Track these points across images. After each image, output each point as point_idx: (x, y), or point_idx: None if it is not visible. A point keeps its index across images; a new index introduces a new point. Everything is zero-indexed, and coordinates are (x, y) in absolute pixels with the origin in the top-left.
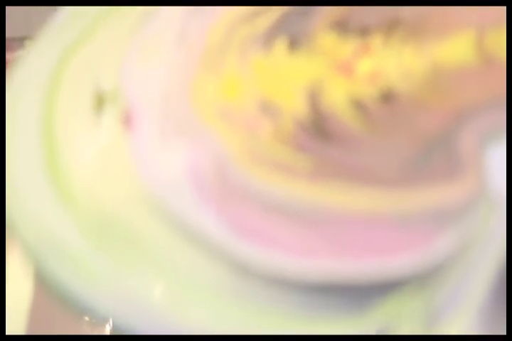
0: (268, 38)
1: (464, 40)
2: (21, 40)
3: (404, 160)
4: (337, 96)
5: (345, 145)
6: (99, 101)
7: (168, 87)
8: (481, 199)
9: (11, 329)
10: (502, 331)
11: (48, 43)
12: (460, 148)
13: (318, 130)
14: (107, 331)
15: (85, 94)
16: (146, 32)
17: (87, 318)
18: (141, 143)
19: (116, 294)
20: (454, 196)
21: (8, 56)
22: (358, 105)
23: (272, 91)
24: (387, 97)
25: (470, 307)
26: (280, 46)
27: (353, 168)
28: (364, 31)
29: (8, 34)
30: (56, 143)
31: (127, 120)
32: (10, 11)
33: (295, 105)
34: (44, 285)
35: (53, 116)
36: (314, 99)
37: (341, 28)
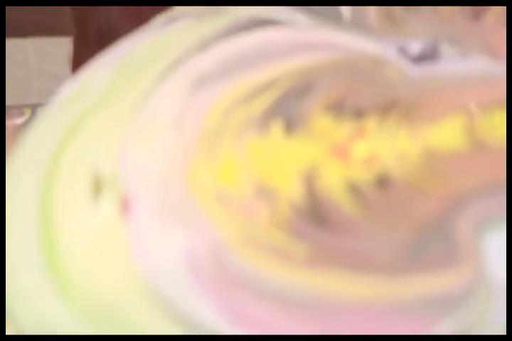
0: (264, 121)
1: (455, 125)
2: (20, 108)
3: (401, 247)
4: (333, 181)
5: (341, 231)
6: (97, 186)
7: (166, 172)
8: (479, 287)
9: None
10: None
11: (49, 122)
12: (457, 234)
13: (314, 215)
14: None
15: (83, 178)
16: (144, 114)
17: None
18: (139, 230)
19: None
20: (452, 284)
21: (7, 123)
22: (354, 190)
23: (268, 175)
24: (383, 182)
25: None
26: (276, 129)
27: (350, 255)
28: (359, 113)
29: (8, 102)
30: (53, 228)
31: (125, 206)
32: (10, 78)
33: (291, 189)
34: None
35: (51, 201)
36: (310, 183)
37: (337, 110)
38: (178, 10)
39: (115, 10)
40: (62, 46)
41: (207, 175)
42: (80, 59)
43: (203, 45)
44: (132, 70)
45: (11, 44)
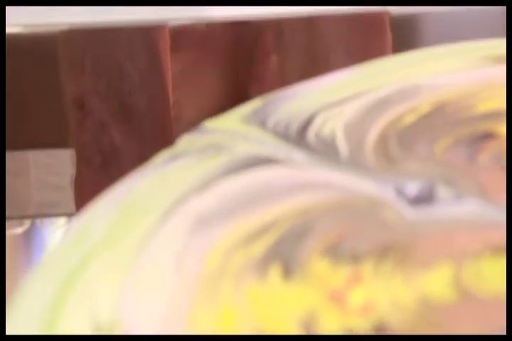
0: (263, 265)
1: (444, 273)
2: (21, 219)
3: None
4: (330, 329)
5: None
6: (97, 331)
7: (166, 316)
8: None
9: None
10: None
11: (50, 267)
12: None
13: None
14: None
15: (83, 325)
16: (145, 257)
17: None
18: None
19: None
20: None
21: (8, 233)
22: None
23: (266, 322)
24: (379, 329)
25: None
26: (274, 274)
27: None
28: (356, 258)
29: (8, 213)
30: None
31: None
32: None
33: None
34: None
35: None
36: (308, 330)
37: (333, 254)
38: (179, 146)
39: (118, 133)
40: (63, 158)
41: (206, 321)
42: (82, 182)
43: (203, 185)
44: (134, 210)
45: (12, 156)
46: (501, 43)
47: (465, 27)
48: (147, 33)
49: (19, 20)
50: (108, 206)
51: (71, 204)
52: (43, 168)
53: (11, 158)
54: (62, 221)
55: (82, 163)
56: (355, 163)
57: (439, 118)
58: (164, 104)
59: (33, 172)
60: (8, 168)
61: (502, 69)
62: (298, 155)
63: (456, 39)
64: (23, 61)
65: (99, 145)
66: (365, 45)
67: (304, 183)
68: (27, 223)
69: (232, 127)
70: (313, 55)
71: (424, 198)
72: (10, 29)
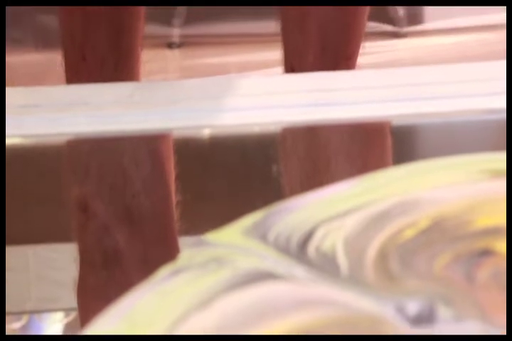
0: None
1: None
2: (20, 314)
3: None
4: None
5: None
6: None
7: None
8: None
9: None
10: None
11: None
12: None
13: None
14: None
15: None
16: None
17: None
18: None
19: None
20: None
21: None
22: None
23: None
24: None
25: None
26: None
27: None
28: None
29: (7, 308)
30: None
31: None
32: (10, 285)
33: None
34: None
35: None
36: None
37: None
38: (181, 261)
39: (122, 235)
40: (63, 253)
41: None
42: (85, 284)
43: (205, 302)
44: (137, 327)
45: (12, 251)
46: (500, 157)
47: (464, 138)
48: (151, 141)
49: (21, 131)
50: (112, 321)
51: (70, 299)
52: (43, 263)
53: (12, 252)
54: (60, 315)
55: (86, 265)
56: (355, 279)
57: (438, 234)
58: (167, 207)
59: (33, 268)
60: (8, 262)
61: (501, 184)
62: (299, 270)
63: (455, 150)
64: (26, 169)
65: (102, 248)
66: (365, 153)
67: (305, 300)
68: (25, 318)
69: (233, 241)
70: (314, 162)
71: (425, 318)
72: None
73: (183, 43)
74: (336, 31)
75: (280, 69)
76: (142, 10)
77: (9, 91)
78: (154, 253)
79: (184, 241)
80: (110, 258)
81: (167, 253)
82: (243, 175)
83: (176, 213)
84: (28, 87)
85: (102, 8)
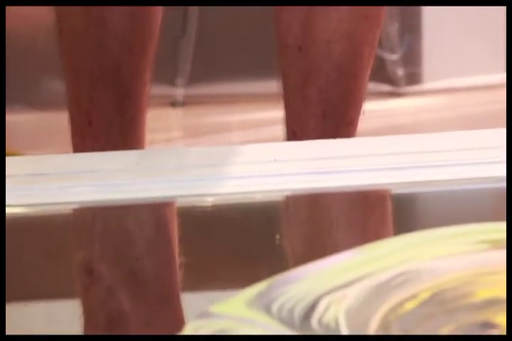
0: None
1: None
2: None
3: None
4: None
5: None
6: None
7: None
8: None
9: None
10: None
11: None
12: None
13: None
14: None
15: None
16: None
17: None
18: None
19: None
20: None
21: None
22: None
23: None
24: None
25: None
26: None
27: None
28: None
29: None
30: None
31: None
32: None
33: None
34: None
35: None
36: None
37: None
38: (187, 332)
39: (126, 298)
40: (67, 310)
41: None
42: None
43: None
44: None
45: (14, 309)
46: (500, 226)
47: (464, 207)
48: (155, 209)
49: (27, 200)
50: None
51: None
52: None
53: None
54: None
55: (90, 327)
56: None
57: (439, 306)
58: (171, 269)
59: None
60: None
61: (501, 255)
62: None
63: (455, 218)
64: (28, 237)
65: (106, 310)
66: (366, 220)
67: None
68: None
69: (238, 312)
70: (315, 227)
71: None
72: (12, 210)
73: (186, 102)
74: (337, 97)
75: (281, 127)
76: (148, 74)
77: (15, 160)
78: (158, 315)
79: (187, 298)
80: (114, 321)
81: (170, 315)
82: (246, 242)
83: (179, 275)
84: (35, 156)
85: (108, 73)
